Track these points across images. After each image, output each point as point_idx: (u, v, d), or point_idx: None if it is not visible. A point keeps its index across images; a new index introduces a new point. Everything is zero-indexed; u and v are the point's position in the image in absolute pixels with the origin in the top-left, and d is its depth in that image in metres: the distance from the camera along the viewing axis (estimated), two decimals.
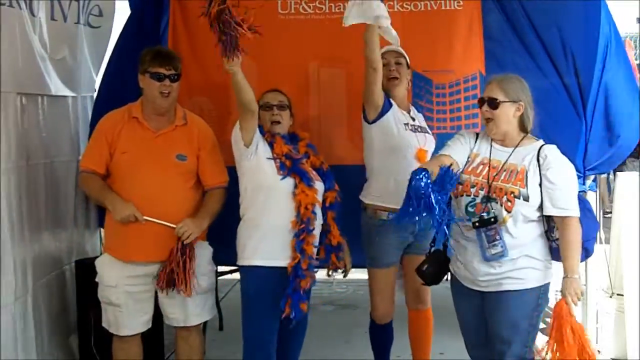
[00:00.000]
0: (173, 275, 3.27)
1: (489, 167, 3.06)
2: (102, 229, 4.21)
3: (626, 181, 4.45)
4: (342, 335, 4.93)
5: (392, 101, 3.62)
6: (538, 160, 3.01)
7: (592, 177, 4.32)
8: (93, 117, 4.18)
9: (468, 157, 3.13)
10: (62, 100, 4.09)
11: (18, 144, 3.51)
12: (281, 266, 3.24)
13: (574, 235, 2.95)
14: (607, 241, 4.58)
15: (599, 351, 4.44)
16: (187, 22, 4.28)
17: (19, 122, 3.54)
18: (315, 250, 3.31)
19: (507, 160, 3.05)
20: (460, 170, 3.08)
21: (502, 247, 2.99)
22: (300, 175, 3.30)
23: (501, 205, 2.98)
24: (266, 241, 3.27)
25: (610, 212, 4.82)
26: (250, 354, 3.34)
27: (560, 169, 3.00)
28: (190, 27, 4.23)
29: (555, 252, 3.04)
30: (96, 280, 3.45)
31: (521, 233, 2.99)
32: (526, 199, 2.97)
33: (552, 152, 3.03)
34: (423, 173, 2.78)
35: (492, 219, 2.98)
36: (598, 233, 3.84)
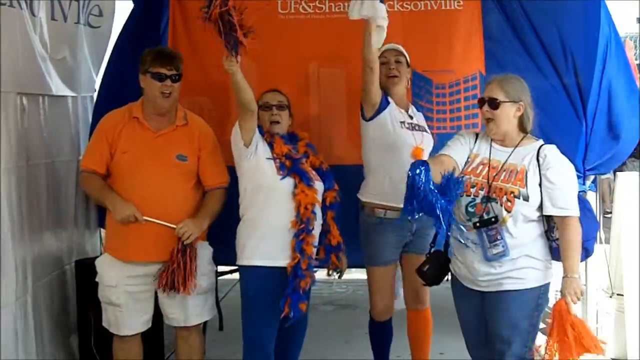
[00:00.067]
0: (174, 276, 3.27)
1: (489, 167, 3.07)
2: (102, 229, 4.22)
3: (626, 181, 4.44)
4: (342, 335, 4.93)
5: (389, 99, 3.63)
6: (538, 160, 3.01)
7: (592, 177, 4.32)
8: (93, 117, 4.19)
9: (468, 158, 3.13)
10: (63, 100, 4.09)
11: (19, 144, 3.51)
12: (281, 266, 3.24)
13: (574, 235, 2.95)
14: (607, 241, 4.58)
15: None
16: (187, 22, 4.28)
17: (19, 122, 3.54)
18: (314, 250, 3.32)
19: (506, 160, 3.06)
20: (460, 170, 3.08)
21: (503, 246, 2.99)
22: (300, 175, 3.30)
23: (501, 205, 2.98)
24: (266, 241, 3.27)
25: (610, 212, 4.82)
26: (250, 354, 3.34)
27: (560, 168, 3.00)
28: (190, 27, 4.23)
29: (555, 252, 3.04)
30: (96, 280, 3.45)
31: (521, 233, 2.99)
32: (526, 198, 2.97)
33: (551, 151, 3.03)
34: (422, 167, 2.76)
35: (493, 219, 2.98)
36: (598, 233, 3.84)
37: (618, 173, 4.66)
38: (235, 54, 2.97)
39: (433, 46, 4.26)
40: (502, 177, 3.03)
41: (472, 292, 3.12)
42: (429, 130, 3.77)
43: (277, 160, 3.30)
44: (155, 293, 3.44)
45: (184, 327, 3.49)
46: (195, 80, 4.12)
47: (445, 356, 4.41)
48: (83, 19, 4.25)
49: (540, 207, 3.00)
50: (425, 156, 3.56)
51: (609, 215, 5.05)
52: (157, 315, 3.52)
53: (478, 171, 3.08)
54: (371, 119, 3.59)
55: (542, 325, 3.18)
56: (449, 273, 3.30)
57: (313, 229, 3.28)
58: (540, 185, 2.99)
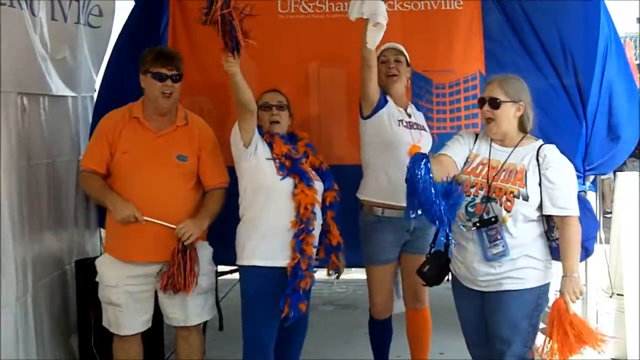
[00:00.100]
0: (175, 277, 3.27)
1: (489, 167, 3.07)
2: (102, 229, 4.22)
3: (626, 181, 4.45)
4: (342, 335, 4.93)
5: (388, 98, 3.63)
6: (537, 160, 3.01)
7: (592, 177, 4.32)
8: (93, 117, 4.19)
9: (467, 158, 3.14)
10: (63, 100, 4.09)
11: (19, 144, 3.51)
12: (281, 266, 3.24)
13: (574, 235, 2.95)
14: (607, 241, 4.58)
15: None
16: (187, 22, 4.28)
17: (20, 122, 3.55)
18: (314, 250, 3.32)
19: (506, 160, 3.06)
20: (459, 170, 3.09)
21: (503, 246, 2.99)
22: (299, 175, 3.30)
23: (501, 205, 2.98)
24: (266, 241, 3.27)
25: (611, 212, 4.82)
26: (250, 354, 3.34)
27: (559, 168, 3.00)
28: (190, 27, 4.23)
29: (555, 252, 3.04)
30: (96, 280, 3.45)
31: (521, 233, 3.00)
32: (525, 198, 2.97)
33: (551, 151, 3.04)
34: (422, 160, 2.78)
35: (493, 219, 2.98)
36: (598, 233, 3.84)
37: (618, 173, 4.66)
38: (237, 55, 2.97)
39: (433, 46, 4.26)
40: (501, 177, 3.03)
41: (472, 292, 3.12)
42: (427, 130, 3.77)
43: (277, 161, 3.30)
44: (155, 293, 3.44)
45: (184, 327, 3.49)
46: (195, 80, 4.12)
47: (445, 356, 4.41)
48: (83, 19, 4.25)
49: (540, 207, 3.00)
50: None
51: (609, 215, 5.05)
52: (157, 315, 3.52)
53: (478, 171, 3.08)
54: (369, 116, 3.60)
55: (542, 325, 3.18)
56: (449, 273, 3.30)
57: (313, 229, 3.28)
58: (540, 185, 2.99)
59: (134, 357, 3.48)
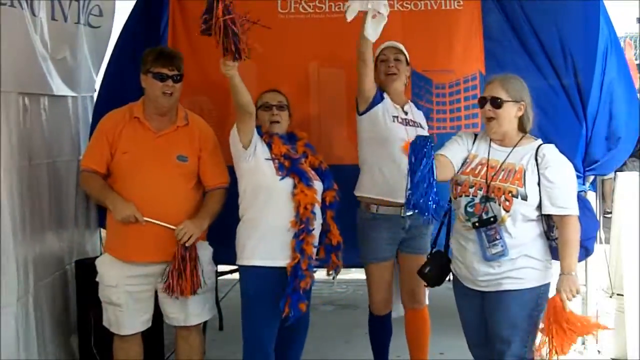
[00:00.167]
0: (178, 280, 3.27)
1: (487, 167, 3.07)
2: (102, 229, 4.22)
3: (626, 181, 4.45)
4: (342, 335, 4.93)
5: (384, 95, 3.65)
6: (536, 160, 3.01)
7: (592, 177, 4.32)
8: (93, 117, 4.19)
9: (466, 158, 3.14)
10: (63, 100, 4.10)
11: (20, 143, 3.52)
12: (281, 266, 3.24)
13: (573, 234, 2.95)
14: (607, 241, 4.57)
15: (598, 351, 4.44)
16: (187, 22, 4.28)
17: (21, 121, 3.55)
18: (314, 250, 3.32)
19: (505, 160, 3.06)
20: (456, 171, 3.10)
21: (502, 246, 2.99)
22: (299, 175, 3.30)
23: (499, 205, 2.98)
24: (265, 241, 3.27)
25: (611, 212, 4.82)
26: (250, 354, 3.34)
27: (559, 167, 3.01)
28: (190, 27, 4.22)
29: (555, 252, 3.04)
30: (97, 280, 3.45)
31: (520, 233, 3.00)
32: (524, 198, 2.98)
33: (550, 151, 3.04)
34: (428, 139, 2.92)
35: (492, 219, 2.98)
36: (598, 232, 3.84)
37: (618, 173, 4.66)
38: (238, 59, 2.96)
39: (433, 46, 4.26)
40: (500, 177, 3.03)
41: (473, 292, 3.13)
42: (425, 127, 3.76)
43: (276, 161, 3.30)
44: (155, 292, 3.45)
45: (184, 326, 3.49)
46: (195, 80, 4.12)
47: (445, 356, 4.42)
48: (83, 19, 4.26)
49: (539, 207, 3.00)
50: None
51: (609, 215, 5.05)
52: (157, 314, 3.53)
53: (477, 171, 3.09)
54: (364, 112, 3.62)
55: (542, 325, 3.18)
56: (450, 273, 3.30)
57: (313, 228, 3.28)
58: (539, 184, 2.99)
59: (134, 356, 3.48)
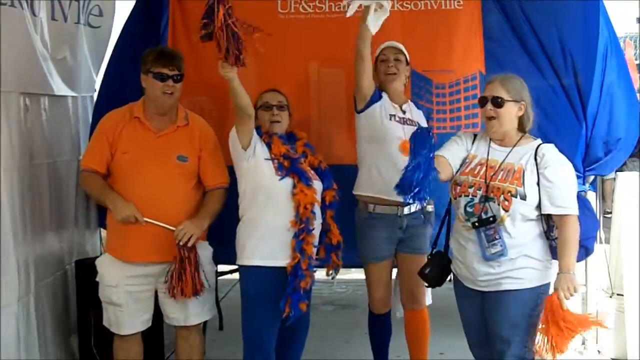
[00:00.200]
0: (181, 284, 3.27)
1: (487, 167, 3.07)
2: (102, 229, 4.22)
3: (626, 181, 4.45)
4: (342, 335, 4.93)
5: (383, 94, 3.65)
6: (535, 159, 3.01)
7: (592, 177, 4.32)
8: (93, 117, 4.19)
9: (465, 159, 3.14)
10: (63, 100, 4.10)
11: (21, 143, 3.52)
12: (280, 266, 3.24)
13: (572, 233, 2.95)
14: (607, 241, 4.57)
15: (598, 351, 4.45)
16: (187, 22, 4.28)
17: (22, 121, 3.56)
18: (314, 249, 3.32)
19: (504, 160, 3.06)
20: (453, 172, 3.12)
21: (501, 246, 2.99)
22: (298, 175, 3.30)
23: (499, 205, 2.99)
24: (265, 241, 3.27)
25: (611, 212, 4.82)
26: (250, 354, 3.34)
27: (558, 167, 3.01)
28: (190, 27, 4.22)
29: (555, 252, 3.03)
30: (97, 279, 3.45)
31: (520, 233, 3.00)
32: (523, 197, 2.98)
33: (549, 150, 3.04)
34: (430, 130, 2.96)
35: (491, 219, 2.99)
36: (598, 232, 3.84)
37: (618, 173, 4.66)
38: (238, 65, 2.96)
39: (433, 46, 4.26)
40: (499, 177, 3.03)
41: (473, 292, 3.13)
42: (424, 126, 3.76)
43: (276, 161, 3.30)
44: (155, 292, 3.45)
45: (184, 326, 3.49)
46: (195, 80, 4.12)
47: (445, 356, 4.42)
48: (83, 19, 4.26)
49: (539, 207, 3.00)
50: None
51: (609, 215, 5.04)
52: (157, 314, 3.53)
53: (476, 171, 3.09)
54: (362, 110, 3.63)
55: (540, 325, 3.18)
56: (451, 273, 3.30)
57: (313, 228, 3.28)
58: (538, 184, 2.99)
59: (134, 356, 3.48)
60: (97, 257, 3.65)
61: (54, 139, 3.92)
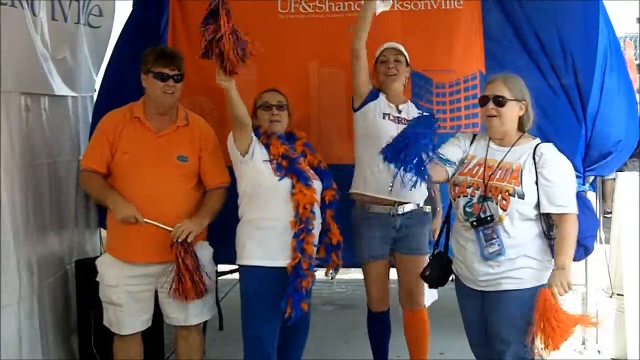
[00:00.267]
0: (182, 286, 3.27)
1: (485, 167, 3.08)
2: (102, 229, 4.22)
3: (626, 181, 4.45)
4: (342, 335, 4.93)
5: (380, 93, 3.67)
6: (534, 159, 3.02)
7: (592, 178, 4.32)
8: (93, 117, 4.19)
9: (464, 160, 3.14)
10: (63, 100, 4.10)
11: (21, 143, 3.52)
12: (280, 266, 3.24)
13: (570, 231, 2.95)
14: (607, 241, 4.57)
15: (598, 351, 4.45)
16: (186, 22, 4.29)
17: (22, 121, 3.56)
18: (315, 249, 3.32)
19: (502, 159, 3.06)
20: (449, 173, 3.13)
21: (499, 245, 2.99)
22: (297, 175, 3.30)
23: (497, 204, 2.99)
24: (265, 241, 3.27)
25: (611, 212, 4.82)
26: (250, 354, 3.34)
27: (556, 166, 3.01)
28: (190, 27, 4.23)
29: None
30: (97, 279, 3.45)
31: (518, 232, 3.00)
32: (521, 196, 2.98)
33: (548, 150, 3.04)
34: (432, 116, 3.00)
35: (489, 218, 2.99)
36: (598, 232, 3.84)
37: (618, 173, 4.67)
38: (243, 62, 2.96)
39: (433, 46, 4.26)
40: (497, 176, 3.04)
41: (474, 292, 3.13)
42: None
43: (274, 161, 3.30)
44: (155, 292, 3.45)
45: (184, 326, 3.49)
46: (195, 80, 4.11)
47: (445, 356, 4.42)
48: (83, 19, 4.26)
49: (538, 206, 3.00)
50: None
51: (609, 215, 5.05)
52: (157, 314, 3.53)
53: (474, 172, 3.10)
54: (358, 109, 3.66)
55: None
56: (453, 274, 3.30)
57: (313, 228, 3.28)
58: (536, 183, 2.99)
59: (134, 356, 3.48)
60: (97, 257, 3.65)
61: (54, 139, 3.92)
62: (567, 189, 3.00)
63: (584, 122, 4.15)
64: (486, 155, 3.11)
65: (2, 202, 3.32)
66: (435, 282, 3.37)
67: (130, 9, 4.41)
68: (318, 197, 3.35)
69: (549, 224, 3.03)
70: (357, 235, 3.69)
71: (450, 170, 3.15)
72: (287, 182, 3.28)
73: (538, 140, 3.10)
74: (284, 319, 3.23)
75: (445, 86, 4.25)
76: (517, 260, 3.00)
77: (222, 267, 4.22)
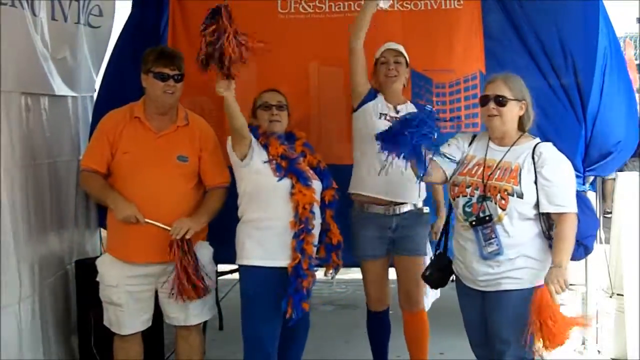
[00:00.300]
0: (183, 287, 3.27)
1: (484, 166, 3.08)
2: (102, 229, 4.22)
3: (626, 181, 4.45)
4: (342, 335, 4.93)
5: (378, 94, 3.67)
6: (533, 158, 3.01)
7: (592, 178, 4.32)
8: (93, 117, 4.19)
9: (463, 160, 3.15)
10: (63, 100, 4.10)
11: (22, 143, 3.52)
12: (280, 266, 3.25)
13: (569, 230, 2.95)
14: (607, 241, 4.57)
15: (598, 351, 4.44)
16: (186, 22, 4.28)
17: (23, 121, 3.56)
18: (315, 249, 3.32)
19: (501, 159, 3.07)
20: (447, 174, 3.14)
21: (497, 245, 3.00)
22: (296, 175, 3.30)
23: (495, 204, 2.99)
24: (265, 241, 3.27)
25: (611, 212, 4.82)
26: (250, 354, 3.34)
27: (556, 166, 3.01)
28: (190, 27, 4.22)
29: None
30: (97, 279, 3.45)
31: (518, 232, 3.00)
32: (520, 196, 2.98)
33: (547, 149, 3.04)
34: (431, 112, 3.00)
35: (488, 217, 2.99)
36: (598, 232, 3.84)
37: (618, 173, 4.66)
38: (244, 60, 2.96)
39: (433, 45, 4.25)
40: (496, 176, 3.04)
41: (474, 292, 3.13)
42: None
43: (274, 162, 3.30)
44: (156, 292, 3.45)
45: (184, 326, 3.49)
46: (195, 80, 4.08)
47: (445, 356, 4.42)
48: (83, 19, 4.26)
49: (537, 205, 3.00)
50: None
51: (609, 215, 5.05)
52: (158, 314, 3.53)
53: (473, 172, 3.10)
54: (356, 109, 3.67)
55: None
56: (453, 274, 3.31)
57: (312, 228, 3.28)
58: (535, 182, 2.99)
59: (134, 356, 3.48)
60: (97, 257, 3.65)
61: (54, 139, 3.92)
62: (566, 188, 3.00)
63: (584, 122, 4.15)
64: (485, 155, 3.11)
65: (2, 202, 3.32)
66: (436, 282, 3.38)
67: (130, 9, 4.41)
68: (318, 197, 3.36)
69: (548, 223, 3.03)
70: (355, 234, 3.70)
71: (449, 170, 3.15)
72: (286, 182, 3.28)
73: (537, 139, 3.10)
74: (285, 319, 3.23)
75: (445, 86, 4.25)
76: (516, 260, 3.00)
77: (222, 267, 4.22)
